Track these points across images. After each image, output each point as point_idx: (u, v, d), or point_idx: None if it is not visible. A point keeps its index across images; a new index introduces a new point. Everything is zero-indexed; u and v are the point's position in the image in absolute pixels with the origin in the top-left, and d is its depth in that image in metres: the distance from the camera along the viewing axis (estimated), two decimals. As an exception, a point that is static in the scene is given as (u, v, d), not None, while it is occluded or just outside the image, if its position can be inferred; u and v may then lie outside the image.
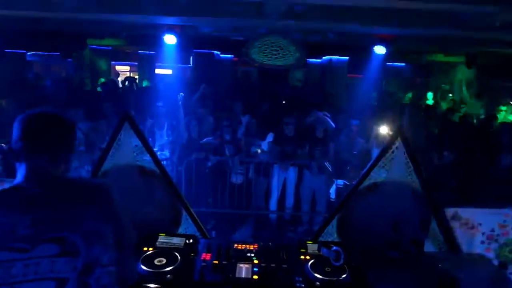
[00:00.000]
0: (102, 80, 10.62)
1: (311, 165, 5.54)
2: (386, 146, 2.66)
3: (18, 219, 1.28)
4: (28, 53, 11.75)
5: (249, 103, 7.44)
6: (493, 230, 2.83)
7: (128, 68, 14.21)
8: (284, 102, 7.79)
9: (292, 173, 5.64)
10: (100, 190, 1.46)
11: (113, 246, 1.40)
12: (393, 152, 2.63)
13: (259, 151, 5.61)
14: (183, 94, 5.68)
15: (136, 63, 12.85)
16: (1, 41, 7.81)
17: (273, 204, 5.73)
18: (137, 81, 11.77)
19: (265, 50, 5.45)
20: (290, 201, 5.72)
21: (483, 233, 2.83)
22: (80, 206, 1.37)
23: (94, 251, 1.33)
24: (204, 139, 5.65)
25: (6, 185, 1.43)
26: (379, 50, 6.36)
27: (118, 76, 13.11)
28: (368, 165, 2.68)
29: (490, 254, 2.84)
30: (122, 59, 13.23)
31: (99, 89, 9.50)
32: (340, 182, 5.77)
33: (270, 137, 5.74)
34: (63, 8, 5.32)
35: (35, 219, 1.30)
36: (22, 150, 1.39)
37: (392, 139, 2.64)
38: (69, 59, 11.75)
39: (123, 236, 1.48)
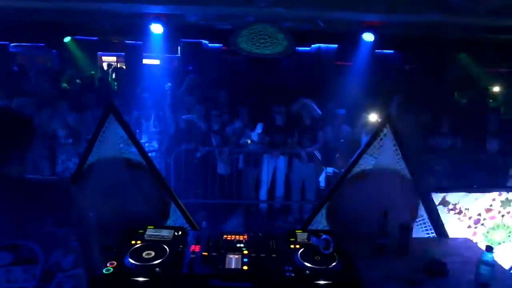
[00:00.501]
0: (92, 72, 10.39)
1: (300, 154, 5.55)
2: (375, 134, 2.65)
3: None
4: (11, 44, 11.46)
5: (238, 92, 7.38)
6: (479, 215, 2.87)
7: (114, 58, 13.99)
8: (273, 91, 7.74)
9: (281, 162, 5.64)
10: (58, 191, 1.37)
11: (76, 249, 1.33)
12: (381, 139, 2.63)
13: (249, 141, 5.59)
14: (170, 84, 5.59)
15: (123, 53, 12.62)
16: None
17: (263, 193, 5.73)
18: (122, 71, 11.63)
19: (253, 39, 5.37)
20: (280, 190, 5.73)
21: (470, 218, 2.86)
22: (36, 210, 1.28)
23: (53, 256, 1.26)
24: (187, 116, 5.56)
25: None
26: (368, 37, 6.33)
27: (110, 68, 12.85)
28: (357, 153, 2.68)
29: (477, 238, 2.88)
30: (109, 50, 12.98)
31: (78, 81, 9.34)
32: (330, 170, 5.79)
33: (259, 128, 5.71)
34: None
35: None
36: None
37: (381, 126, 2.64)
38: (54, 50, 11.51)
39: (88, 236, 1.42)
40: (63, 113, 5.63)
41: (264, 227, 5.46)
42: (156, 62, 11.50)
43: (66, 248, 1.30)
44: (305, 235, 2.37)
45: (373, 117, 5.56)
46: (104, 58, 13.79)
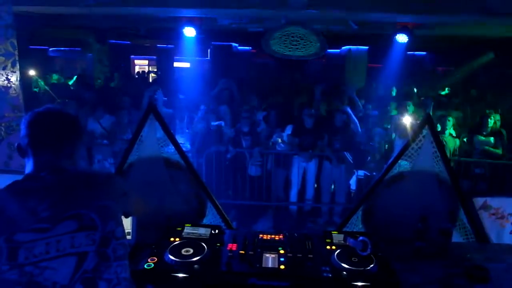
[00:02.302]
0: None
1: (331, 156, 5.51)
2: (413, 135, 2.61)
3: (36, 204, 1.36)
4: (50, 49, 11.97)
5: (267, 94, 7.42)
6: (523, 220, 2.77)
7: (146, 62, 14.36)
8: (301, 93, 7.74)
9: (312, 164, 5.62)
10: (104, 176, 1.59)
11: (122, 222, 1.53)
12: (420, 141, 2.59)
13: (279, 140, 5.60)
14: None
15: (154, 57, 12.96)
16: (25, 38, 7.98)
17: (293, 195, 5.72)
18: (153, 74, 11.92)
19: (285, 41, 5.38)
20: (310, 192, 5.71)
21: (513, 224, 2.77)
22: (90, 189, 1.48)
23: (109, 225, 1.44)
24: (216, 122, 5.66)
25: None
26: (401, 38, 6.21)
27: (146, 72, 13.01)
28: (395, 154, 2.64)
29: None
30: (141, 53, 13.35)
31: (112, 84, 9.62)
32: (361, 173, 5.72)
33: (289, 130, 5.72)
34: (83, 3, 5.38)
35: (52, 201, 1.38)
36: (28, 146, 1.47)
37: (420, 128, 2.60)
38: (90, 54, 11.94)
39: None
40: (98, 114, 5.83)
41: (293, 229, 5.44)
42: (186, 65, 11.74)
43: (116, 220, 1.50)
44: (341, 236, 2.36)
45: (406, 120, 5.46)
46: (136, 61, 14.19)
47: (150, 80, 11.37)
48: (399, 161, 2.65)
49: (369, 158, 5.81)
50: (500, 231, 2.74)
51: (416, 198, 2.55)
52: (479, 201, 2.67)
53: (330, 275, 2.02)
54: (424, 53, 11.30)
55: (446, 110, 6.55)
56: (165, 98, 5.82)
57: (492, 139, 5.36)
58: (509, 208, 2.72)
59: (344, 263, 2.08)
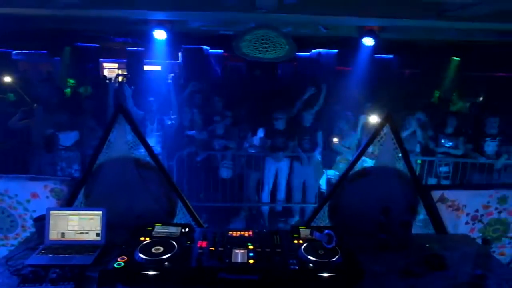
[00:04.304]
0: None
1: (301, 156, 5.62)
2: (375, 133, 2.74)
3: None
4: (14, 52, 11.56)
5: (238, 97, 7.46)
6: (477, 211, 2.95)
7: (116, 65, 14.08)
8: (273, 96, 7.83)
9: (283, 165, 5.71)
10: None
11: None
12: (381, 138, 2.72)
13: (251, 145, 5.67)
14: (173, 75, 5.68)
15: (124, 60, 12.75)
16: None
17: (265, 196, 5.80)
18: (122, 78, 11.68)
19: (256, 43, 5.46)
20: (281, 193, 5.79)
21: (467, 214, 2.94)
22: None
23: None
24: (190, 132, 5.68)
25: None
26: (368, 42, 6.41)
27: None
28: (358, 151, 2.76)
29: (475, 234, 2.95)
30: (110, 56, 13.10)
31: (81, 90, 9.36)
32: (331, 172, 5.86)
33: (261, 133, 5.80)
34: (51, 5, 5.27)
35: None
36: None
37: (381, 126, 2.72)
38: (57, 58, 11.62)
39: None
40: (63, 122, 5.69)
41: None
42: (157, 68, 11.63)
43: None
44: (308, 231, 2.43)
45: (373, 120, 5.65)
46: (105, 64, 13.90)
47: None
48: (362, 158, 2.78)
49: (338, 158, 5.97)
50: (456, 221, 2.91)
51: (378, 192, 2.67)
52: (436, 194, 2.83)
53: (297, 267, 2.09)
54: (391, 56, 11.68)
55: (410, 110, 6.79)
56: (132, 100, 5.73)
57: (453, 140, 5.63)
58: (464, 200, 2.89)
59: (311, 256, 2.16)
